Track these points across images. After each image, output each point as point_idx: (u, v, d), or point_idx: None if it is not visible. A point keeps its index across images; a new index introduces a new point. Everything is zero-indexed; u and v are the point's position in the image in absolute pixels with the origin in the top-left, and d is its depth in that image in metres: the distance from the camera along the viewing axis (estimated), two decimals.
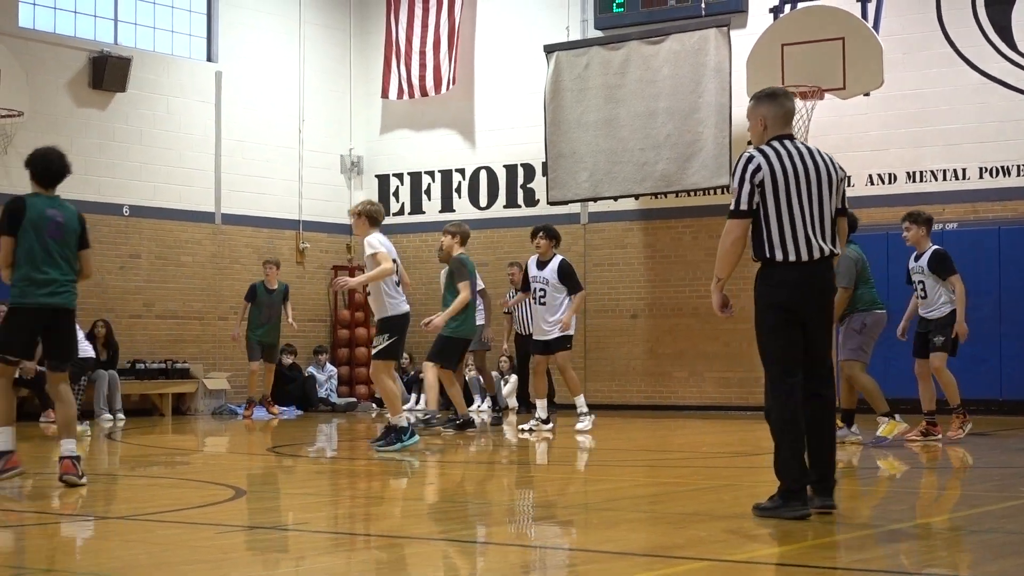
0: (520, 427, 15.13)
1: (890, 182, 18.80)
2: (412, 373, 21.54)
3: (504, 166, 22.07)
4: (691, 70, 19.18)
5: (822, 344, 7.39)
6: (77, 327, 15.47)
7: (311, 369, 21.49)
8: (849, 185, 13.79)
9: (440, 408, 16.86)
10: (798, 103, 18.07)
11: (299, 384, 20.95)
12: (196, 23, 21.45)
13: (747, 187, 7.26)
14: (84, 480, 9.12)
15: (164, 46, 20.98)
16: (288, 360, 20.99)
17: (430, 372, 14.87)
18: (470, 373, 19.43)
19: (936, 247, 13.23)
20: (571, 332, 15.05)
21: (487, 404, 19.67)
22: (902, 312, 13.72)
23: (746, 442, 13.98)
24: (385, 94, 22.83)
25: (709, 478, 10.27)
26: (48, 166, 9.41)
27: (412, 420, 13.47)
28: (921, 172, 18.65)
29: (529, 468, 12.05)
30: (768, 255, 7.27)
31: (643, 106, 19.57)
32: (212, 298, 21.04)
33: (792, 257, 7.22)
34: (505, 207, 22.03)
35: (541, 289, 14.93)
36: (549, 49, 20.53)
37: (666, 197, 20.07)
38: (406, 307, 12.59)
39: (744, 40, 18.95)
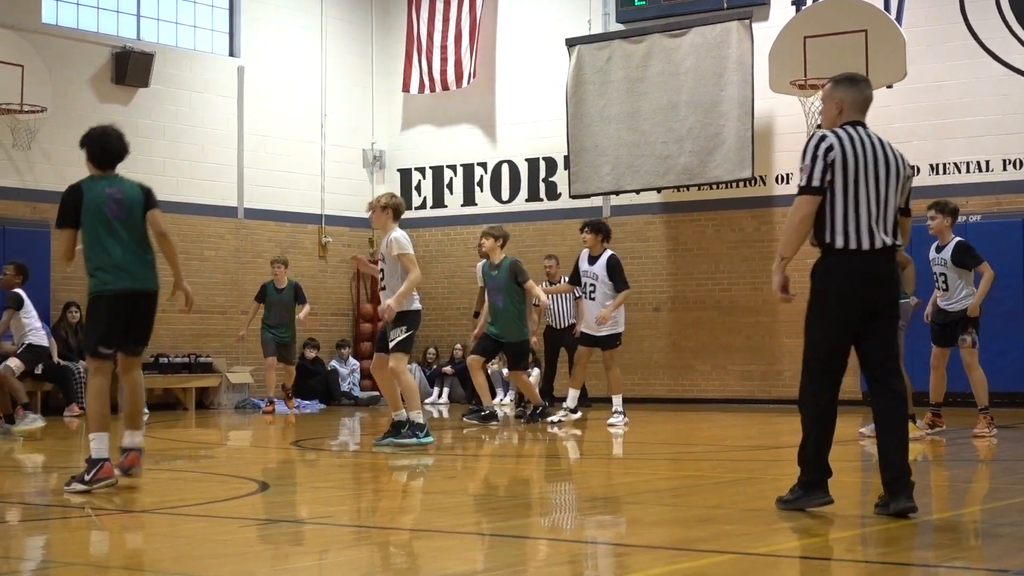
0: (549, 419, 15.15)
1: (913, 174, 18.71)
2: (435, 367, 21.61)
3: (526, 160, 22.06)
4: (713, 63, 19.15)
5: (888, 337, 7.13)
6: (34, 315, 15.57)
7: (334, 363, 21.53)
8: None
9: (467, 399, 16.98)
10: (820, 96, 18.02)
11: (322, 378, 20.99)
12: (219, 18, 21.50)
13: (820, 163, 7.01)
14: (133, 472, 8.82)
15: (187, 41, 21.03)
16: (311, 354, 21.04)
17: (521, 379, 15.60)
18: (493, 366, 19.45)
19: (959, 239, 12.94)
20: (621, 329, 15.07)
21: (510, 398, 19.72)
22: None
23: (768, 435, 13.96)
24: (406, 88, 22.84)
25: (732, 471, 10.26)
26: (105, 145, 8.91)
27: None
28: (944, 164, 18.58)
29: (552, 461, 12.06)
30: (828, 240, 7.03)
31: (665, 99, 19.55)
32: (235, 292, 21.09)
33: (853, 245, 6.99)
34: (527, 201, 22.03)
35: (591, 284, 14.97)
36: (571, 43, 20.52)
37: (688, 190, 20.06)
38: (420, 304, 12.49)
39: (766, 33, 18.91)
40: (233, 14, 21.59)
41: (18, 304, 15.20)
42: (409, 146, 23.24)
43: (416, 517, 7.82)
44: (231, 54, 21.54)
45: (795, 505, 7.12)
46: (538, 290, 15.22)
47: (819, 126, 7.49)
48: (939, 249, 12.92)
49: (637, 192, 20.14)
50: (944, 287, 12.92)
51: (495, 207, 22.02)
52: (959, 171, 18.48)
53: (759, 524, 6.90)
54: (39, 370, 16.80)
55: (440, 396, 21.25)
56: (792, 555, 6.12)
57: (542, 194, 21.90)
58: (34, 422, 14.81)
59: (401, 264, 11.85)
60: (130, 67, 19.55)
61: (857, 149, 7.11)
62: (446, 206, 22.78)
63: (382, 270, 12.08)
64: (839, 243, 7.01)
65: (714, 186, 19.60)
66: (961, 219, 14.46)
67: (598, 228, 15.16)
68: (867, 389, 7.24)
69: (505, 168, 22.27)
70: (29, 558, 6.25)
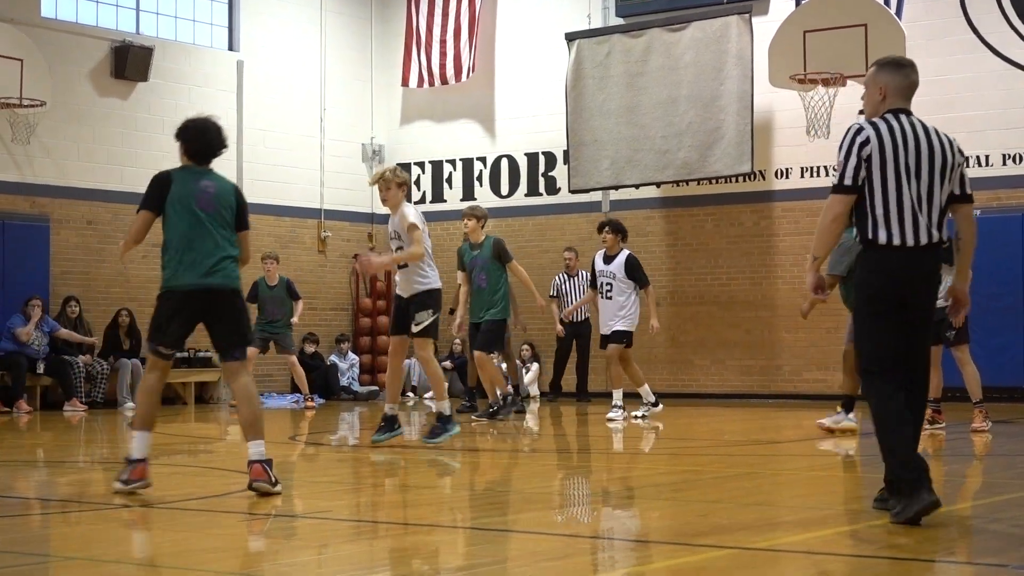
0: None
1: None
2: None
3: (525, 154, 22.05)
4: (713, 57, 19.15)
5: (923, 336, 6.86)
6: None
7: (333, 358, 21.53)
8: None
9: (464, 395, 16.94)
10: (820, 91, 18.03)
11: (321, 372, 20.98)
12: (218, 12, 21.49)
13: (853, 160, 6.68)
14: (278, 487, 7.94)
15: (186, 35, 21.02)
16: (310, 349, 21.04)
17: (488, 365, 14.89)
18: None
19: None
20: (630, 328, 15.01)
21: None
22: None
23: (768, 430, 13.97)
24: (406, 82, 22.83)
25: (731, 466, 10.26)
26: (208, 141, 8.64)
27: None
28: None
29: (550, 456, 12.07)
30: (871, 235, 6.70)
31: (665, 94, 19.55)
32: None
33: (896, 240, 6.66)
34: (526, 195, 22.01)
35: (607, 284, 14.93)
36: (570, 37, 20.51)
37: (687, 185, 20.05)
38: (439, 283, 11.80)
39: (766, 27, 18.89)
40: (232, 8, 21.58)
41: None
42: (408, 140, 23.24)
43: (415, 512, 7.82)
44: (230, 48, 21.53)
45: (905, 515, 6.50)
46: (528, 280, 15.12)
47: (861, 112, 7.23)
48: None
49: (636, 187, 20.13)
50: None
51: (494, 201, 21.99)
52: None
53: (758, 519, 6.90)
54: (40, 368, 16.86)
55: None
56: (791, 550, 6.12)
57: (541, 188, 21.88)
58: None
59: (408, 236, 11.17)
60: (129, 61, 19.54)
61: (897, 139, 6.81)
62: (445, 201, 22.77)
63: (399, 248, 11.34)
64: (882, 238, 6.68)
65: (713, 181, 19.58)
66: None
67: (618, 228, 15.17)
68: (863, 384, 6.94)
69: (504, 163, 22.26)
70: (29, 552, 6.25)
